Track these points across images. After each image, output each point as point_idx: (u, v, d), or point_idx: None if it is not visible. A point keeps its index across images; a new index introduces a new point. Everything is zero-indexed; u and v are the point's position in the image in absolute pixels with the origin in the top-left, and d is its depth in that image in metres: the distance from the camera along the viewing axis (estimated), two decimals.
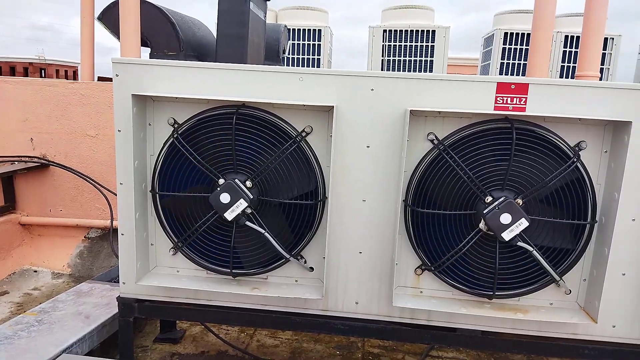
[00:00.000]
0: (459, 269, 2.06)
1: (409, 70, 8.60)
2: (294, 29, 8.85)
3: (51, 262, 3.92)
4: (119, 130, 2.09)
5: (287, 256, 2.10)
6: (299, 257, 2.16)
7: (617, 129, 1.93)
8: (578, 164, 1.93)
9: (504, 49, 8.29)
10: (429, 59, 8.43)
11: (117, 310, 2.51)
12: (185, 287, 2.15)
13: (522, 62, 8.28)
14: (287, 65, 8.74)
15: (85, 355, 2.33)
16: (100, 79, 4.55)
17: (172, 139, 2.08)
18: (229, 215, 2.02)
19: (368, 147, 2.04)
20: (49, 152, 3.94)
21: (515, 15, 8.26)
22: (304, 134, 2.05)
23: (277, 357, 2.71)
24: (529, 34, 8.24)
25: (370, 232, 2.10)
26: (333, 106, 1.96)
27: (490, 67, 8.49)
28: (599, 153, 1.98)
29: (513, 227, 1.89)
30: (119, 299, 2.26)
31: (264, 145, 2.06)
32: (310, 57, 9.02)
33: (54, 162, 3.90)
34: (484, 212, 1.92)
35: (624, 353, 2.05)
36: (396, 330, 2.17)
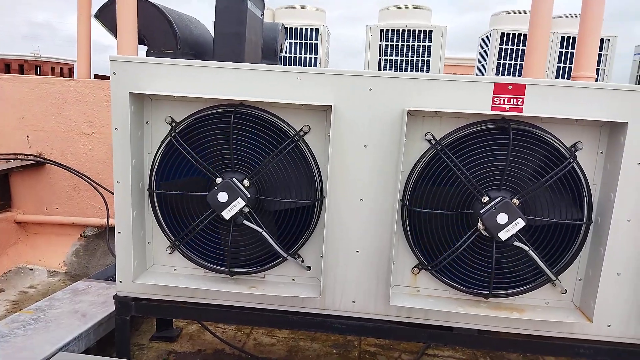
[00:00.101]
0: (456, 269, 2.07)
1: (406, 70, 8.61)
2: (291, 28, 8.84)
3: (47, 260, 3.90)
4: (117, 129, 2.09)
5: (285, 255, 2.10)
6: (296, 256, 2.16)
7: (613, 130, 1.94)
8: (574, 165, 1.94)
9: (500, 49, 8.31)
10: (426, 58, 8.44)
11: (113, 309, 2.50)
12: (183, 286, 2.15)
13: (518, 62, 8.32)
14: (284, 64, 8.74)
15: (82, 353, 2.32)
16: (97, 76, 4.54)
17: (169, 137, 2.08)
18: (227, 214, 2.02)
19: (366, 146, 2.05)
20: (45, 150, 3.93)
21: (512, 15, 8.29)
22: (301, 134, 2.06)
23: (274, 355, 2.72)
24: (525, 35, 8.27)
25: (368, 231, 2.11)
26: (331, 106, 1.96)
27: (486, 67, 8.52)
28: (595, 154, 1.99)
29: (509, 227, 1.90)
30: (115, 297, 2.26)
31: (262, 144, 2.06)
32: (308, 56, 9.02)
33: (50, 160, 3.88)
34: (481, 212, 1.93)
35: (618, 352, 2.06)
36: (393, 329, 2.18)
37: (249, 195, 2.03)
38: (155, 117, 2.13)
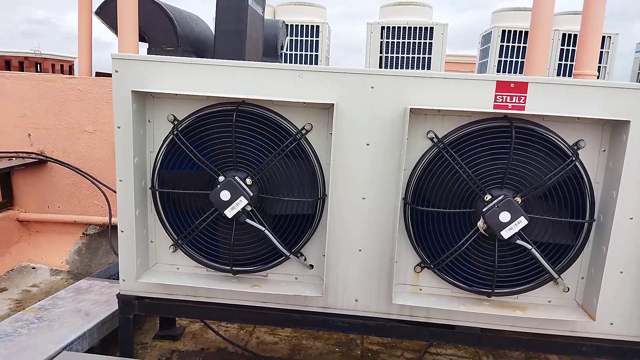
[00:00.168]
0: (458, 267, 2.07)
1: (407, 67, 8.59)
2: (291, 25, 8.82)
3: (49, 258, 3.91)
4: (119, 127, 2.09)
5: (287, 254, 2.11)
6: (298, 255, 2.17)
7: (616, 128, 1.94)
8: (577, 163, 1.94)
9: (501, 46, 8.29)
10: (427, 56, 8.42)
11: (116, 307, 2.51)
12: (185, 285, 2.15)
13: (519, 59, 8.29)
14: (285, 61, 8.72)
15: (85, 352, 2.33)
16: (98, 74, 4.53)
17: (172, 135, 2.08)
18: (229, 212, 2.02)
19: (368, 145, 2.05)
20: (46, 148, 3.93)
21: (513, 12, 8.26)
22: (303, 132, 2.06)
23: (277, 354, 2.73)
24: (526, 32, 8.24)
25: (370, 229, 2.11)
26: (333, 104, 1.96)
27: (488, 64, 8.50)
28: (597, 152, 1.99)
29: (512, 226, 1.90)
30: (119, 296, 2.26)
31: (264, 142, 2.06)
32: (308, 53, 9.00)
33: (52, 158, 3.89)
34: (483, 210, 1.93)
35: (621, 350, 2.07)
36: (395, 328, 2.18)
37: (252, 194, 2.03)
38: (157, 115, 2.13)
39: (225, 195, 2.00)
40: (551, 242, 2.02)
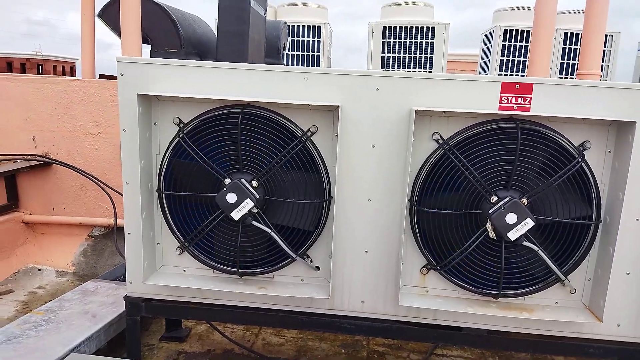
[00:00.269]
0: (465, 269, 2.07)
1: (409, 67, 8.59)
2: (293, 26, 8.82)
3: (55, 260, 3.92)
4: (125, 130, 2.10)
5: (294, 256, 2.11)
6: (305, 257, 2.17)
7: (621, 129, 1.94)
8: (583, 164, 1.94)
9: (503, 45, 8.28)
10: (428, 55, 8.41)
11: (123, 309, 2.52)
12: (192, 287, 2.16)
13: (522, 59, 8.29)
14: (287, 62, 8.72)
15: (93, 354, 2.34)
16: (101, 76, 4.55)
17: (177, 138, 2.09)
18: (236, 215, 2.03)
19: (373, 146, 2.05)
20: (51, 150, 3.94)
21: (515, 12, 8.25)
22: (309, 134, 2.06)
23: (283, 355, 2.73)
24: (528, 31, 8.24)
25: (376, 231, 2.11)
26: (338, 106, 1.96)
27: (490, 64, 8.49)
28: (603, 153, 1.99)
29: (519, 227, 1.90)
30: (126, 298, 2.27)
31: (270, 144, 2.06)
32: (310, 53, 8.99)
33: (57, 161, 3.90)
34: (490, 211, 1.93)
35: (628, 352, 2.06)
36: (402, 329, 2.19)
37: (258, 196, 2.03)
38: (163, 118, 2.13)
39: (231, 197, 2.01)
40: (558, 244, 2.02)
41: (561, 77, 8.41)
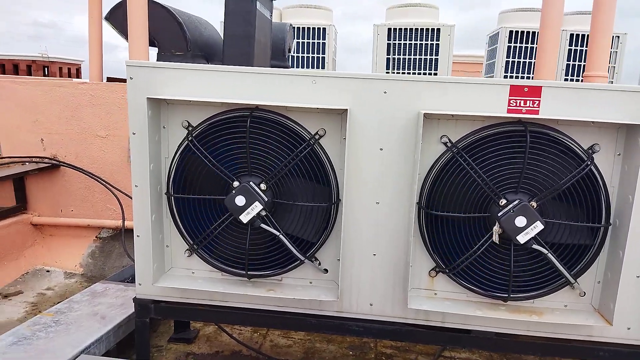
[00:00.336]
0: (473, 271, 2.07)
1: (414, 69, 8.59)
2: (298, 28, 8.83)
3: (63, 262, 3.95)
4: (134, 133, 2.11)
5: (302, 258, 2.12)
6: (313, 259, 2.18)
7: (630, 132, 1.93)
8: (592, 167, 1.94)
9: (509, 47, 8.26)
10: (434, 57, 8.41)
11: (132, 311, 2.54)
12: (201, 289, 2.17)
13: (527, 60, 8.26)
14: (292, 64, 8.73)
15: (102, 356, 2.35)
16: (109, 79, 4.57)
17: (186, 141, 2.10)
18: (245, 217, 2.03)
19: (381, 149, 2.05)
20: (59, 152, 3.97)
21: (521, 13, 8.23)
22: (317, 137, 2.07)
23: (291, 357, 2.74)
24: (534, 32, 8.22)
25: (384, 234, 2.12)
26: (346, 109, 1.97)
27: (495, 65, 8.47)
28: (612, 156, 1.98)
29: (528, 230, 1.90)
30: (135, 300, 2.28)
31: (278, 147, 2.07)
32: (315, 55, 9.01)
33: (65, 163, 3.92)
34: (499, 215, 1.93)
35: (638, 355, 2.05)
36: (411, 332, 2.19)
37: (266, 199, 2.04)
38: (172, 121, 2.15)
39: (240, 200, 2.02)
40: (567, 247, 2.01)
41: (567, 79, 8.38)
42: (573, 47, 8.28)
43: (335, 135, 2.09)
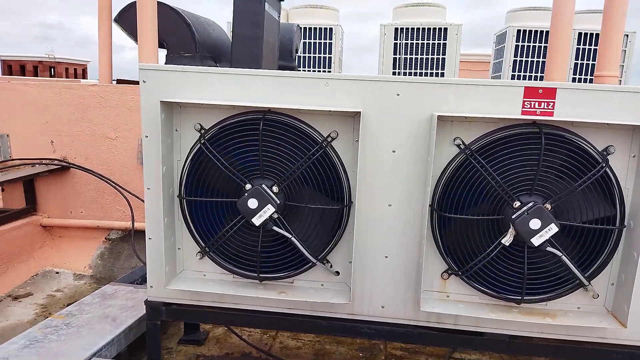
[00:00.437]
0: (487, 274, 2.06)
1: (421, 68, 8.56)
2: (305, 28, 8.83)
3: (73, 263, 3.97)
4: (147, 136, 2.12)
5: (314, 261, 2.11)
6: (325, 262, 2.17)
7: None
8: (607, 169, 1.92)
9: (517, 46, 8.22)
10: (441, 56, 8.38)
11: (142, 313, 2.55)
12: (213, 292, 2.17)
13: (535, 59, 8.22)
14: (299, 64, 8.73)
15: (114, 358, 2.36)
16: (119, 81, 4.59)
17: (199, 144, 2.10)
18: (257, 220, 2.03)
19: (394, 151, 2.05)
20: (69, 154, 3.98)
21: (529, 12, 8.19)
22: (329, 139, 2.06)
23: (300, 359, 2.73)
24: (542, 31, 8.18)
25: (396, 236, 2.11)
26: (359, 112, 1.96)
27: (503, 64, 8.44)
28: (627, 157, 1.97)
29: (542, 233, 1.88)
30: (146, 302, 2.29)
31: (290, 150, 2.07)
32: (322, 55, 9.00)
33: (75, 165, 3.94)
34: (513, 217, 1.92)
35: None
36: (423, 334, 2.18)
37: (279, 202, 2.04)
38: (184, 124, 2.15)
39: (252, 203, 2.02)
40: (581, 249, 2.00)
41: (575, 78, 8.33)
42: (581, 46, 8.23)
43: (347, 138, 2.08)
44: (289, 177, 2.06)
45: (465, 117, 1.97)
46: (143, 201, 2.18)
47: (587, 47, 8.29)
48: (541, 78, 8.36)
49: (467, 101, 1.96)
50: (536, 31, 8.24)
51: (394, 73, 8.68)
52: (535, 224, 1.88)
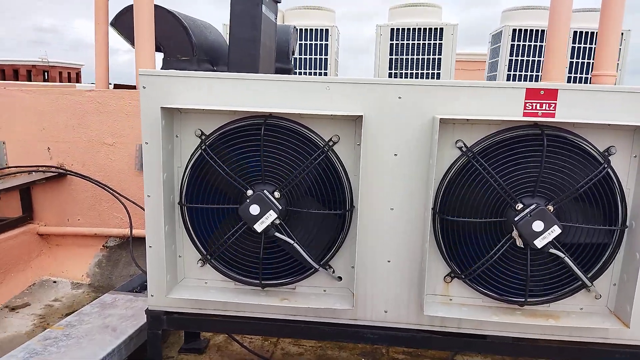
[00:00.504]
0: (489, 276, 2.05)
1: (417, 68, 8.56)
2: (300, 29, 8.81)
3: (70, 272, 3.92)
4: (147, 143, 2.10)
5: (316, 266, 2.10)
6: (327, 267, 2.16)
7: None
8: (608, 169, 1.92)
9: (512, 45, 8.23)
10: (437, 56, 8.39)
11: (142, 322, 2.52)
12: (215, 300, 2.15)
13: (531, 58, 8.24)
14: (295, 66, 8.71)
15: None
16: (116, 86, 4.56)
17: (200, 150, 2.08)
18: (259, 226, 2.01)
19: (395, 155, 2.04)
20: (66, 161, 3.95)
21: (524, 11, 8.20)
22: (331, 144, 2.05)
23: None
24: (537, 30, 8.20)
25: (399, 240, 2.10)
26: (360, 115, 1.95)
27: (498, 63, 8.45)
28: (628, 158, 1.97)
29: (545, 235, 1.88)
30: (147, 311, 2.27)
31: (292, 155, 2.05)
32: (318, 57, 8.99)
33: (72, 172, 3.91)
34: (515, 219, 1.91)
35: None
36: (426, 339, 2.17)
37: (280, 207, 2.02)
38: (185, 130, 2.13)
39: (254, 209, 2.00)
40: (584, 250, 1.99)
41: (570, 76, 8.35)
42: (577, 45, 8.25)
43: (349, 142, 2.07)
44: (291, 182, 2.04)
45: (467, 119, 1.96)
46: (141, 208, 2.16)
47: (582, 45, 8.31)
48: (537, 77, 8.38)
49: (468, 103, 1.96)
50: (532, 30, 8.26)
51: (390, 74, 8.67)
52: (538, 225, 1.87)
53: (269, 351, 2.84)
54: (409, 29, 8.42)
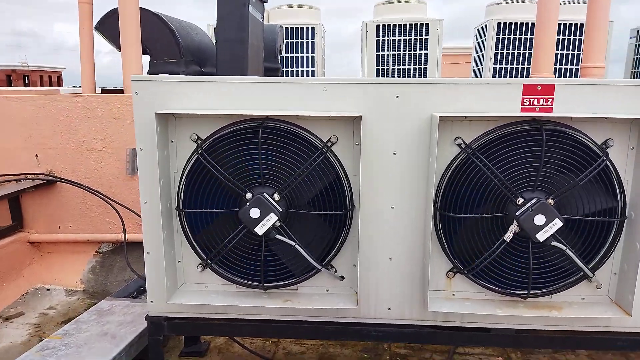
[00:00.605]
0: (492, 270, 2.06)
1: (404, 64, 8.58)
2: (286, 28, 8.77)
3: (63, 279, 3.86)
4: (141, 149, 2.07)
5: (318, 267, 2.09)
6: (329, 267, 2.15)
7: None
8: (607, 162, 1.93)
9: (497, 39, 8.29)
10: (423, 52, 8.42)
11: (142, 328, 2.50)
12: (217, 304, 2.13)
13: (516, 51, 8.30)
14: (282, 64, 8.67)
15: None
16: (103, 91, 4.48)
17: (196, 155, 2.05)
18: (260, 229, 2.00)
19: (394, 153, 2.04)
20: (55, 168, 3.88)
21: (508, 5, 8.26)
22: (329, 144, 2.04)
23: None
24: (522, 23, 8.27)
25: (400, 238, 2.10)
26: (359, 115, 1.94)
27: (484, 57, 8.50)
28: (626, 150, 1.99)
29: (547, 228, 1.89)
30: (147, 318, 2.24)
31: (290, 157, 2.03)
32: (304, 55, 8.95)
33: (61, 178, 3.84)
34: (517, 214, 1.92)
35: None
36: (431, 334, 2.18)
37: (281, 209, 2.01)
38: (180, 135, 2.10)
39: (254, 212, 1.98)
40: (585, 241, 2.02)
41: (556, 68, 8.42)
42: (561, 37, 8.32)
43: (348, 142, 2.06)
44: (290, 184, 2.03)
45: (466, 116, 1.96)
46: (134, 212, 2.13)
47: (569, 37, 8.40)
48: (523, 70, 8.44)
49: (466, 100, 1.96)
50: (517, 23, 8.31)
51: (377, 70, 8.67)
52: (539, 219, 1.88)
53: (271, 351, 2.83)
54: (394, 25, 8.43)
